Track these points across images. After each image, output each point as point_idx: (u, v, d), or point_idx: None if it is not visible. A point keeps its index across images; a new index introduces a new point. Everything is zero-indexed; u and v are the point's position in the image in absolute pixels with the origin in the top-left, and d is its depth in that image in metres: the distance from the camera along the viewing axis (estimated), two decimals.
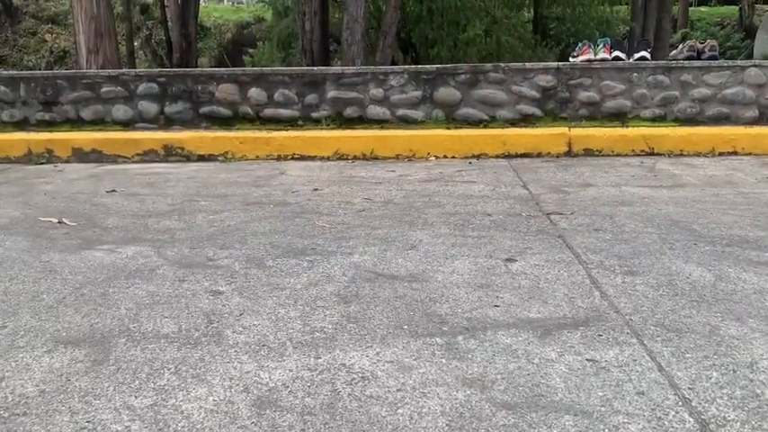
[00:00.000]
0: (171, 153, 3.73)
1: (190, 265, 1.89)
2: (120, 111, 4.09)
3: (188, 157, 3.72)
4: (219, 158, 3.72)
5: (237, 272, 1.82)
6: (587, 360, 1.27)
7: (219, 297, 1.63)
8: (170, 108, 4.07)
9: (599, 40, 3.85)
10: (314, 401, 1.15)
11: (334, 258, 1.93)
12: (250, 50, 12.35)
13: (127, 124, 4.10)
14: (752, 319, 1.46)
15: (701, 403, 1.12)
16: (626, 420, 1.07)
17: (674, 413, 1.09)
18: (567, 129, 3.78)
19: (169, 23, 11.65)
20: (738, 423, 1.06)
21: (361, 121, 4.06)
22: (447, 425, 1.07)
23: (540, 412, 1.10)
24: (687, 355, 1.29)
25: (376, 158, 3.75)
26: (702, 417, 1.08)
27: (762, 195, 2.70)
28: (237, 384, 1.21)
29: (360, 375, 1.24)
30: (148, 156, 3.74)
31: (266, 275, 1.79)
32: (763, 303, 1.54)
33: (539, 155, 3.69)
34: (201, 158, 3.72)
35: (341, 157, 3.73)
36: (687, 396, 1.14)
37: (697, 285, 1.67)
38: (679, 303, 1.55)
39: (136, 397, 1.17)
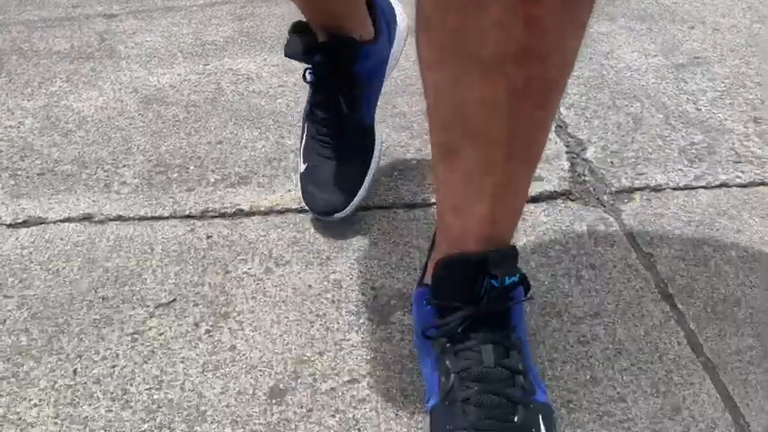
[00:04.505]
0: None
1: None
2: None
3: None
4: None
5: None
6: None
7: (113, 19, 1.63)
8: None
9: None
10: (198, 97, 1.23)
11: None
12: None
13: None
14: (623, 18, 1.55)
15: None
16: None
17: None
18: None
19: None
20: (577, 96, 1.20)
21: None
22: None
23: (407, 96, 1.21)
24: None
25: None
26: None
27: None
28: (127, 87, 1.28)
29: (245, 76, 1.31)
30: None
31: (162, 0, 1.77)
32: (639, 5, 1.62)
33: None
34: None
35: None
36: None
37: None
38: None
39: (29, 101, 1.23)
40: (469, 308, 0.60)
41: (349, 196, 0.90)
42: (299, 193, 0.93)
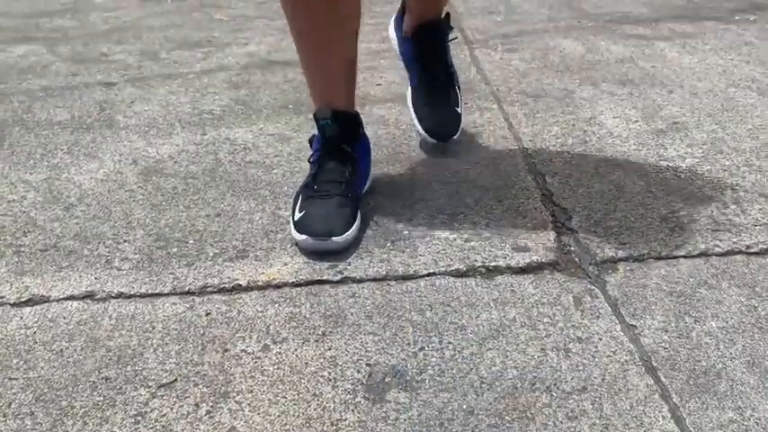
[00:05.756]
0: None
1: (83, 60, 1.90)
2: None
3: None
4: None
5: (131, 65, 1.84)
6: None
7: (112, 88, 1.68)
8: None
9: None
10: (197, 168, 1.28)
11: (229, 49, 1.96)
12: None
13: None
14: (605, 83, 1.61)
15: (535, 151, 1.29)
16: (469, 167, 1.24)
17: (510, 157, 1.27)
18: None
19: None
20: (561, 163, 1.25)
21: None
22: None
23: (398, 165, 1.26)
24: (537, 115, 1.45)
25: None
26: (532, 160, 1.26)
27: None
28: (127, 159, 1.32)
29: (242, 146, 1.36)
30: None
31: (159, 67, 1.82)
32: (620, 70, 1.69)
33: None
34: None
35: None
36: (526, 146, 1.31)
37: (567, 57, 1.79)
38: (545, 74, 1.69)
39: (31, 173, 1.27)
40: None
41: (345, 227, 1.01)
42: (294, 236, 1.02)
